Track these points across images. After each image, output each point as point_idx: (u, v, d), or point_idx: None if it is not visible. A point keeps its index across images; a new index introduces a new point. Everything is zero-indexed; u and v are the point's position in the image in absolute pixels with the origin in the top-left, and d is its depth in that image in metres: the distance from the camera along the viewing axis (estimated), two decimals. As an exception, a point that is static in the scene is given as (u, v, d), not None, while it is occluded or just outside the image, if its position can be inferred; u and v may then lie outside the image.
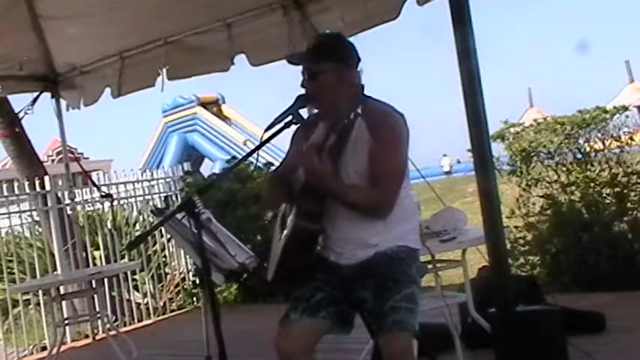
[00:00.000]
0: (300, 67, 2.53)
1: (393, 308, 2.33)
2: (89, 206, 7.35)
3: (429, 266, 3.54)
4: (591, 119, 5.75)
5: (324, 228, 2.51)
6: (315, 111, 2.63)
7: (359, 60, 2.54)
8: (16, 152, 7.17)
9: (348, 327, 2.54)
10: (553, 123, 5.92)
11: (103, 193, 6.91)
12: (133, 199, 7.70)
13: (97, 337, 6.20)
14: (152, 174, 7.93)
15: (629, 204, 5.55)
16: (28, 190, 6.66)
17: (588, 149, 5.84)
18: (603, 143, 5.78)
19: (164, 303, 7.36)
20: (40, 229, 7.43)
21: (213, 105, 26.37)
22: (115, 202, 7.38)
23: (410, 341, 2.35)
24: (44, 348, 6.24)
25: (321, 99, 2.48)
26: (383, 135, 2.41)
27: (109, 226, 7.44)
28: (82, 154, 23.66)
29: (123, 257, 7.12)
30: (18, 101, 6.62)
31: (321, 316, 2.45)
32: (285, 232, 2.52)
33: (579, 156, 5.86)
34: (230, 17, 4.81)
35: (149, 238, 6.98)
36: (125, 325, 6.87)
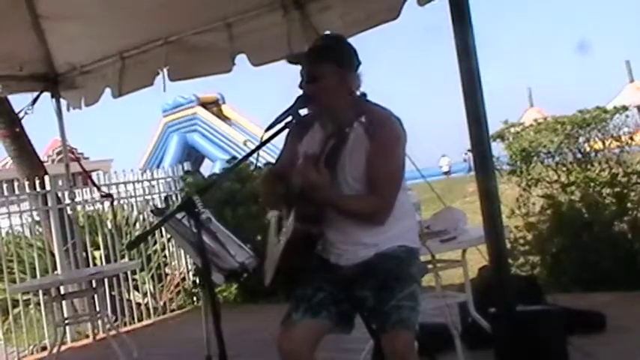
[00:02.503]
0: (299, 68, 2.52)
1: (395, 307, 2.34)
2: (89, 206, 7.36)
3: (429, 266, 3.53)
4: (591, 119, 5.75)
5: (324, 231, 2.50)
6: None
7: (359, 63, 2.52)
8: (16, 152, 7.17)
9: (349, 327, 2.54)
10: (553, 123, 5.92)
11: (103, 193, 6.91)
12: (133, 199, 7.69)
13: (97, 337, 6.19)
14: (152, 174, 7.93)
15: (629, 204, 5.55)
16: (28, 190, 6.66)
17: (588, 149, 5.84)
18: (603, 143, 5.78)
19: (164, 303, 7.36)
20: (40, 229, 7.43)
21: (213, 105, 26.38)
22: (115, 202, 7.38)
23: (412, 339, 2.36)
24: (44, 348, 6.24)
25: (320, 101, 2.46)
26: (380, 139, 2.40)
27: (109, 226, 7.45)
28: (82, 154, 23.65)
29: (123, 257, 7.12)
30: (18, 101, 6.63)
31: (323, 316, 2.45)
32: (283, 236, 2.51)
33: (579, 156, 5.86)
34: (230, 17, 4.80)
35: (149, 237, 6.98)
36: (125, 325, 6.87)
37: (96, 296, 5.85)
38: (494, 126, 5.92)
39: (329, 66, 2.46)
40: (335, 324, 2.49)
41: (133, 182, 7.53)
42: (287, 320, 2.47)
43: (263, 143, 2.44)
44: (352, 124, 2.32)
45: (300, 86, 2.50)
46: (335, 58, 2.49)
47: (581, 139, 5.83)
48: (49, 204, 6.68)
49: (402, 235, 2.51)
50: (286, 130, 2.49)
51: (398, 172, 2.48)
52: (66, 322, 5.80)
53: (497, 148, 6.05)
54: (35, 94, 5.99)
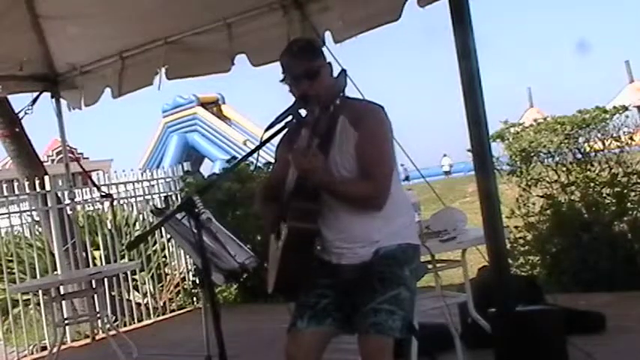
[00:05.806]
0: (288, 80, 2.51)
1: (373, 310, 2.31)
2: (89, 206, 7.36)
3: (429, 266, 3.53)
4: (591, 119, 5.75)
5: (321, 231, 2.49)
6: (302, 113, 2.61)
7: None
8: (16, 152, 7.17)
9: (352, 330, 2.53)
10: (553, 123, 5.92)
11: (103, 193, 6.91)
12: (133, 199, 7.70)
13: (97, 337, 6.20)
14: (152, 174, 7.94)
15: (629, 204, 5.55)
16: (28, 190, 6.65)
17: (588, 149, 5.84)
18: (603, 143, 5.78)
19: (164, 303, 7.36)
20: (40, 229, 7.44)
21: (213, 105, 26.43)
22: (115, 202, 7.39)
23: (385, 344, 2.31)
24: (44, 348, 6.24)
25: (323, 94, 2.44)
26: (366, 126, 2.43)
27: (109, 226, 7.45)
28: (82, 154, 23.68)
29: (123, 257, 7.12)
30: (18, 101, 6.64)
31: (328, 323, 2.45)
32: (281, 241, 2.49)
33: (579, 156, 5.86)
34: (230, 17, 4.81)
35: (149, 238, 6.98)
36: (125, 325, 6.87)
37: (96, 296, 5.85)
38: (494, 126, 5.93)
39: (321, 60, 2.52)
40: (339, 329, 2.48)
41: (133, 182, 7.53)
42: (293, 328, 2.45)
43: (263, 143, 2.44)
44: (330, 108, 2.38)
45: (293, 89, 2.49)
46: (321, 51, 2.57)
47: (580, 140, 5.82)
48: (49, 204, 6.68)
49: (401, 231, 2.50)
50: (285, 131, 2.49)
51: (387, 156, 2.47)
52: (66, 322, 5.79)
53: (497, 149, 6.06)
54: (35, 94, 5.99)
